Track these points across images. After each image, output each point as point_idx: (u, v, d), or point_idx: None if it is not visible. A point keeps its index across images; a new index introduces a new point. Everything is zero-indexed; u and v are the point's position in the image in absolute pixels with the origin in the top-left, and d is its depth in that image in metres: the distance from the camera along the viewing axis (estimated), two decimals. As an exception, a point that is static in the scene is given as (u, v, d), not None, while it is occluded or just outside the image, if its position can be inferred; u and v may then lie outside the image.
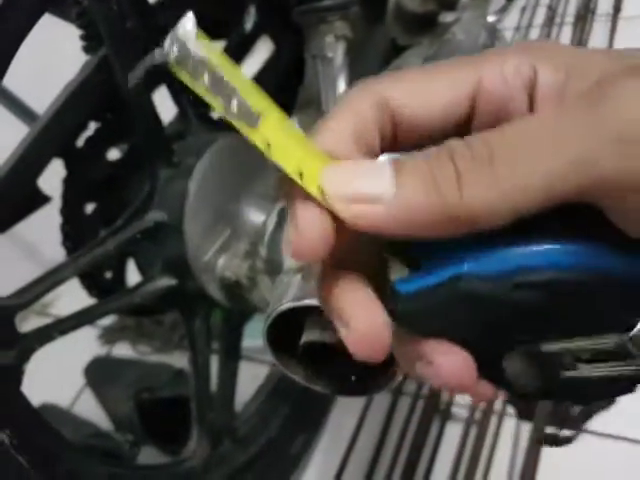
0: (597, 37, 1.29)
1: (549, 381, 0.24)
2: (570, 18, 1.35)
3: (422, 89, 0.23)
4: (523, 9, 1.35)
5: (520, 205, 0.20)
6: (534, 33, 1.34)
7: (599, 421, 0.81)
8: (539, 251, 0.22)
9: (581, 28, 1.31)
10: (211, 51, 0.20)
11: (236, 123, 0.21)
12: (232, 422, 0.77)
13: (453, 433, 0.84)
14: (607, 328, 0.22)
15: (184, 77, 0.20)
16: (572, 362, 0.23)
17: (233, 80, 0.20)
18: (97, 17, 0.58)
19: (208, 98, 0.20)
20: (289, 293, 0.35)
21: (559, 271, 0.21)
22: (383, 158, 0.22)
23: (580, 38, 1.28)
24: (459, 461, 0.81)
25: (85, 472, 0.55)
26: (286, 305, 0.35)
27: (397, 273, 0.23)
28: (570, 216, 0.21)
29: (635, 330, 0.22)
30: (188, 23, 0.20)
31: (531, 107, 0.23)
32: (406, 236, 0.21)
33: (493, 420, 0.84)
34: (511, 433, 0.83)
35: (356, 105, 0.23)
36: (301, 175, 0.21)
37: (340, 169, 0.21)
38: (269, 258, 0.45)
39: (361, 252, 0.24)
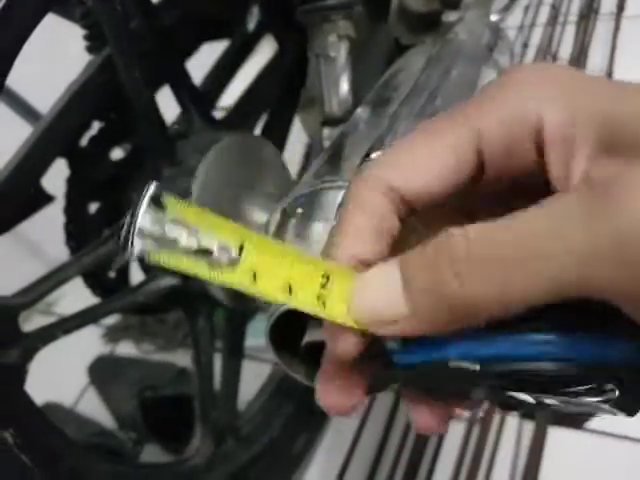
0: (600, 36, 1.29)
1: (525, 405, 0.25)
2: (573, 17, 1.35)
3: (424, 164, 0.23)
4: (526, 8, 1.35)
5: (520, 303, 0.20)
6: (537, 32, 1.34)
7: (602, 420, 0.81)
8: (524, 342, 0.22)
9: (584, 27, 1.30)
10: (175, 214, 0.21)
11: (220, 278, 0.21)
12: (235, 421, 0.77)
13: (455, 432, 0.84)
14: (582, 391, 0.23)
15: (156, 261, 0.21)
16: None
17: (205, 227, 0.21)
18: (101, 17, 0.58)
19: (186, 270, 0.21)
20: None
21: (541, 362, 0.22)
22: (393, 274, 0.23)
23: (583, 37, 1.28)
24: (462, 460, 0.81)
25: (88, 470, 0.56)
26: (287, 306, 0.35)
27: (391, 342, 0.25)
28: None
29: (608, 395, 0.22)
30: (144, 209, 0.21)
31: (540, 152, 0.22)
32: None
33: (495, 419, 0.84)
34: (514, 432, 0.83)
35: (366, 203, 0.23)
36: (290, 290, 0.23)
37: (360, 304, 0.23)
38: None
39: None
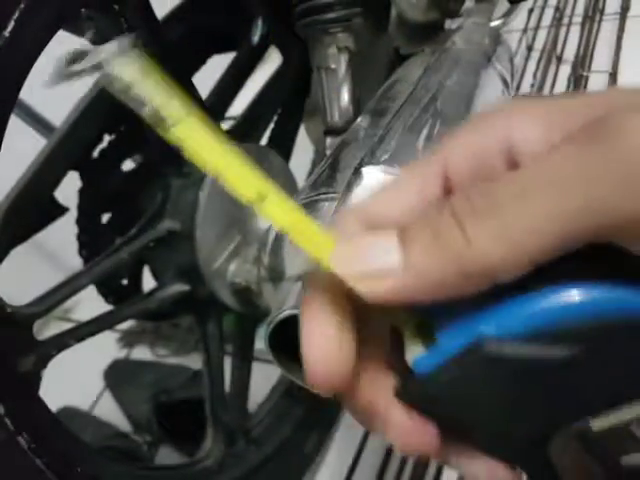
0: (605, 37, 1.29)
1: (609, 472, 0.19)
2: (578, 18, 1.35)
3: (393, 195, 0.23)
4: (530, 10, 1.35)
5: (533, 251, 0.18)
6: (542, 34, 1.34)
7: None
8: (572, 297, 0.19)
9: (589, 28, 1.30)
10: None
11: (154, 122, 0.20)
12: (246, 423, 0.78)
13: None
14: None
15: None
16: (632, 442, 0.19)
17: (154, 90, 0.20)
18: (107, 34, 0.60)
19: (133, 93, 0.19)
20: (289, 301, 0.37)
21: (603, 319, 0.18)
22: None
23: (588, 38, 1.28)
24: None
25: (102, 473, 0.57)
26: (285, 313, 0.37)
27: (413, 351, 0.21)
28: (593, 256, 0.19)
29: None
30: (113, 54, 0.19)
31: (511, 165, 0.22)
32: (422, 302, 0.20)
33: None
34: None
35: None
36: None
37: (347, 247, 0.21)
38: (271, 266, 0.46)
39: (373, 325, 0.23)
